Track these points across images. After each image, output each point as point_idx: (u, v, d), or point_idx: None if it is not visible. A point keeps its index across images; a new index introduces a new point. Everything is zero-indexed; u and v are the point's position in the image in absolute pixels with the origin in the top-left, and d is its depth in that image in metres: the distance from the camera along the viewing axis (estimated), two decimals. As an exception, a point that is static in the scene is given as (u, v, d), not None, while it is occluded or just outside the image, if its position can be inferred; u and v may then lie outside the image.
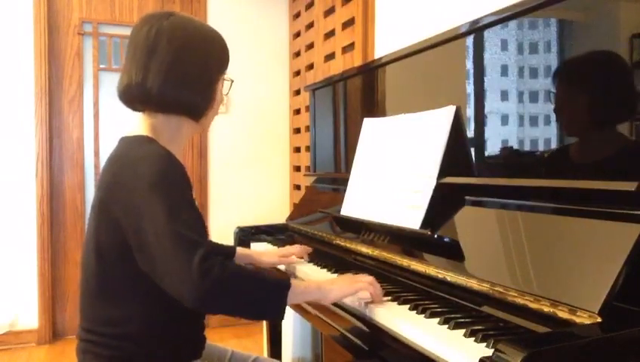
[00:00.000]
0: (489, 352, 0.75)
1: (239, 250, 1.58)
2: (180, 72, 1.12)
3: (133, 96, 1.16)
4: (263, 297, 1.04)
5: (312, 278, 1.47)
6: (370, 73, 1.85)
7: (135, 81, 1.13)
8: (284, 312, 1.05)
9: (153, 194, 1.01)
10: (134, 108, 1.20)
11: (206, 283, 0.96)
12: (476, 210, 1.22)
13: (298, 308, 1.47)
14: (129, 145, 1.14)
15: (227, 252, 1.51)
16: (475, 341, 0.90)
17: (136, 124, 1.19)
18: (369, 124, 1.70)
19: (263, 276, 1.08)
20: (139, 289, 1.09)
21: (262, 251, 1.68)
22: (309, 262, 1.64)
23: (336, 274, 1.47)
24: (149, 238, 1.00)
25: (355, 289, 1.14)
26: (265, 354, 2.15)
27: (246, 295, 1.02)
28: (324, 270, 1.54)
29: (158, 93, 1.12)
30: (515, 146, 1.22)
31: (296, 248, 1.67)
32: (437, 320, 1.02)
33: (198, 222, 1.06)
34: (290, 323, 2.32)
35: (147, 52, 1.12)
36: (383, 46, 2.39)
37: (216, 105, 1.22)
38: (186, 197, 1.06)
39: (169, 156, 1.09)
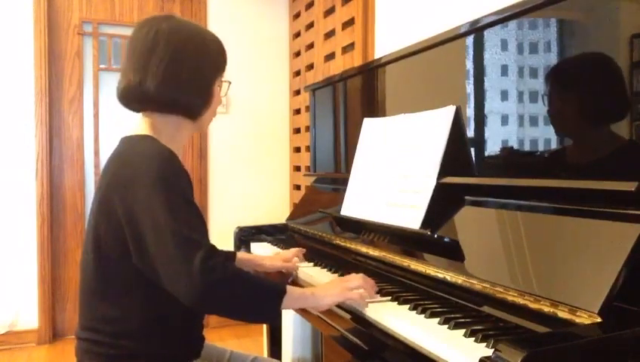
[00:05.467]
0: (489, 352, 0.75)
1: (239, 254, 1.57)
2: (178, 73, 1.14)
3: (132, 97, 1.17)
4: (259, 301, 1.07)
5: (316, 280, 1.47)
6: (370, 73, 1.85)
7: (134, 82, 1.14)
8: (278, 317, 1.09)
9: (153, 193, 1.02)
10: (133, 109, 1.22)
11: (206, 283, 0.98)
12: (476, 210, 1.22)
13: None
14: (130, 144, 1.15)
15: (227, 256, 1.51)
16: (475, 341, 0.90)
17: (136, 123, 1.20)
18: (369, 124, 1.70)
19: (261, 280, 1.12)
20: (138, 288, 1.09)
21: (263, 256, 1.67)
22: (310, 263, 1.63)
23: (336, 275, 1.46)
24: (148, 237, 1.01)
25: (345, 298, 1.16)
26: (265, 354, 2.15)
27: (244, 297, 1.05)
28: (325, 270, 1.54)
29: (155, 93, 1.13)
30: (515, 146, 1.22)
31: (291, 251, 1.64)
32: (437, 320, 1.02)
33: (199, 221, 1.07)
34: (290, 323, 2.31)
35: (146, 53, 1.13)
36: (383, 46, 2.39)
37: (213, 106, 1.24)
38: (187, 197, 1.07)
39: (170, 155, 1.09)
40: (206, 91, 1.20)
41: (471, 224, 1.21)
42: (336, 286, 1.18)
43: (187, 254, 0.98)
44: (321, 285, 1.23)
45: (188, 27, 1.19)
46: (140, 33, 1.16)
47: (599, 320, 0.81)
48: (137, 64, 1.14)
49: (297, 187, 3.47)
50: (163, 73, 1.12)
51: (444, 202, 1.27)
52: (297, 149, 3.46)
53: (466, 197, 1.24)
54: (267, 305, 1.07)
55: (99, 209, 1.11)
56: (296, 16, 3.46)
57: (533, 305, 0.92)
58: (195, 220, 1.05)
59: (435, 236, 1.23)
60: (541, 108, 1.15)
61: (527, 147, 1.19)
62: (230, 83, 1.29)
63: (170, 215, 1.01)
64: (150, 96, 1.14)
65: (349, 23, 2.66)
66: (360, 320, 1.14)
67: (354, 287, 1.17)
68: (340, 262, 1.56)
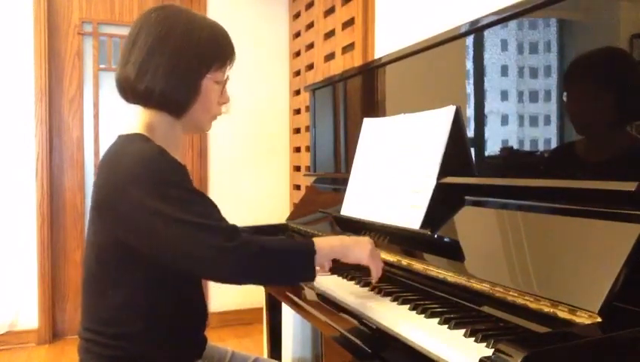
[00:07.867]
0: (489, 352, 0.75)
1: None
2: (155, 62, 1.09)
3: (120, 89, 1.16)
4: (293, 264, 1.09)
5: (317, 279, 1.44)
6: (370, 73, 1.85)
7: (118, 72, 1.14)
8: (315, 274, 1.11)
9: (151, 197, 1.00)
10: (128, 102, 1.18)
11: (241, 262, 1.01)
12: (476, 210, 1.22)
13: (299, 308, 1.47)
14: (122, 144, 1.12)
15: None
16: (475, 341, 0.90)
17: (133, 121, 1.18)
18: (369, 124, 1.70)
19: (291, 245, 1.14)
20: (139, 291, 1.08)
21: None
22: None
23: (335, 275, 1.46)
24: (164, 239, 1.00)
25: (373, 264, 1.18)
26: (265, 354, 2.15)
27: (278, 265, 1.07)
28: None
29: (134, 83, 1.10)
30: (515, 146, 1.22)
31: None
32: (437, 320, 1.02)
33: (210, 206, 1.07)
34: (290, 323, 2.31)
35: (130, 45, 1.12)
36: (383, 46, 2.39)
37: (207, 102, 1.16)
38: (188, 187, 1.05)
39: (160, 152, 1.06)
40: (188, 83, 1.11)
41: (471, 224, 1.21)
42: (367, 246, 1.18)
43: (212, 242, 0.98)
44: (350, 238, 1.22)
45: (178, 16, 1.12)
46: (131, 27, 1.14)
47: (599, 320, 0.81)
48: (122, 56, 1.13)
49: (297, 187, 3.46)
50: (140, 62, 1.09)
51: (444, 202, 1.27)
52: (297, 149, 3.46)
53: (466, 197, 1.24)
54: (302, 267, 1.10)
55: (95, 215, 1.10)
56: (296, 16, 3.46)
57: (533, 305, 0.92)
58: (206, 206, 1.05)
59: (435, 236, 1.23)
60: (541, 108, 1.15)
61: (527, 147, 1.19)
62: (228, 78, 1.21)
63: (181, 211, 0.99)
64: (130, 86, 1.12)
65: (349, 23, 2.66)
66: (360, 320, 1.14)
67: (376, 265, 1.19)
68: (340, 262, 1.56)
